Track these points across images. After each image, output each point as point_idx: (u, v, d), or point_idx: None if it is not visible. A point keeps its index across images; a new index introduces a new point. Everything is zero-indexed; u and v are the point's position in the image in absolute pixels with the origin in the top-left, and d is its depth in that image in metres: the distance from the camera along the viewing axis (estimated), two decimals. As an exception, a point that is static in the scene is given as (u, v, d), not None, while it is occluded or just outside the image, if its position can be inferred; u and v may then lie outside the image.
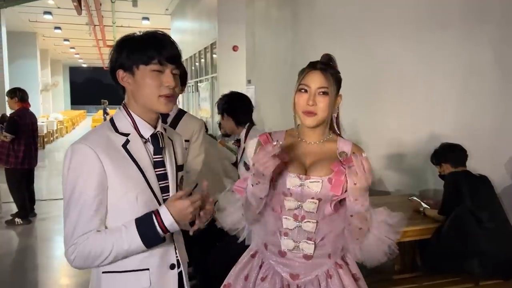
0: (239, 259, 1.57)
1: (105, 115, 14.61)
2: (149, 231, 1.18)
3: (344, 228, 1.43)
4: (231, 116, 2.79)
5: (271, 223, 1.46)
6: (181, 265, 1.33)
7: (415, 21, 3.53)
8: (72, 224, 1.16)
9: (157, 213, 1.19)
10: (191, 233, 1.28)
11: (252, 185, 1.35)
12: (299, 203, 1.41)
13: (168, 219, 1.18)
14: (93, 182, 1.16)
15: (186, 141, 2.65)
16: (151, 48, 1.20)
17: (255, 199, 1.38)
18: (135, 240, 1.17)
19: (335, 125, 1.49)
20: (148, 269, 1.24)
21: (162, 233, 1.19)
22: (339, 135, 1.50)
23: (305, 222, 1.41)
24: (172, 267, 1.30)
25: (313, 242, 1.41)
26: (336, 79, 1.42)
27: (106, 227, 1.20)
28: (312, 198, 1.39)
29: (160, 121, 1.32)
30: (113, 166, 1.18)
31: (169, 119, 2.62)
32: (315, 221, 1.40)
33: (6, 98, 5.10)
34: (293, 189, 1.40)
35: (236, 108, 2.79)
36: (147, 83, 1.21)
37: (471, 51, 3.04)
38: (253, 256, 1.53)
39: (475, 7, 3.01)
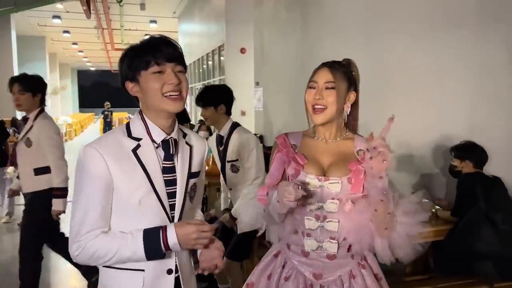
0: (261, 258, 1.59)
1: (104, 115, 15.03)
2: (153, 245, 1.21)
3: (366, 226, 1.40)
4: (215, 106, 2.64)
5: (293, 224, 1.47)
6: (179, 271, 1.33)
7: (427, 20, 3.50)
8: (78, 222, 1.21)
9: (164, 229, 1.22)
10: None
11: (278, 201, 1.34)
12: (320, 204, 1.41)
13: (172, 239, 1.21)
14: (99, 183, 1.20)
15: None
16: (146, 53, 1.23)
17: (279, 215, 1.40)
18: (139, 250, 1.21)
19: (349, 122, 1.49)
20: (143, 270, 1.26)
21: (164, 250, 1.22)
22: (356, 133, 1.51)
23: (327, 222, 1.41)
24: (169, 272, 1.30)
25: (336, 241, 1.42)
26: (346, 76, 1.43)
27: (110, 228, 1.24)
28: (333, 198, 1.40)
29: (176, 126, 1.33)
30: (119, 169, 1.22)
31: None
32: (337, 220, 1.41)
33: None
34: (312, 190, 1.41)
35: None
36: (151, 86, 1.24)
37: (485, 51, 3.00)
38: (276, 255, 1.55)
39: (490, 7, 2.98)
